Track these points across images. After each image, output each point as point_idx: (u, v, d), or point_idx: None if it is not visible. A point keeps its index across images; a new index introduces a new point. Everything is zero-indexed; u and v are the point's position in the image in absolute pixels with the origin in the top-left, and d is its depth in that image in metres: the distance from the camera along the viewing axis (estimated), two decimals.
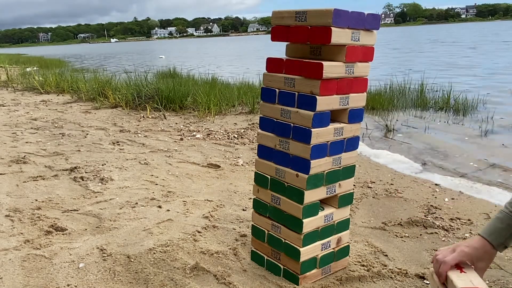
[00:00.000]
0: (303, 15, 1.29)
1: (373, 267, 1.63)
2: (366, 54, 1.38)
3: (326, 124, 1.35)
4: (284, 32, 1.37)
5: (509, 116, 4.75)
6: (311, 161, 1.35)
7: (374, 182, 2.66)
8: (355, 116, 1.43)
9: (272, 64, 1.45)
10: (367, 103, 1.43)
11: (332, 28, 1.23)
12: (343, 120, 1.43)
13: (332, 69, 1.29)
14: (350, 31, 1.29)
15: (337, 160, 1.43)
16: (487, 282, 1.54)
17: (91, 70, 10.23)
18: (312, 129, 1.31)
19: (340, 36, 1.26)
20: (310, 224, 1.44)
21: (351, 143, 1.46)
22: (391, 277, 1.57)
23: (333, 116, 1.38)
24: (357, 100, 1.42)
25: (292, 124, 1.38)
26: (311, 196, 1.40)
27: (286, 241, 1.50)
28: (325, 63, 1.27)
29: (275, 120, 1.45)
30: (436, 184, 2.64)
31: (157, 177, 2.75)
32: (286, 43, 1.45)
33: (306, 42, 1.31)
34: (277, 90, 1.43)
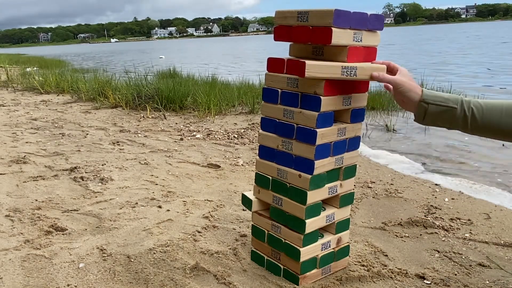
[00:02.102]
0: (305, 15, 1.29)
1: (373, 267, 1.63)
2: (369, 54, 1.37)
3: (330, 124, 1.35)
4: (286, 32, 1.37)
5: None
6: (315, 162, 1.34)
7: (374, 182, 2.66)
8: (357, 116, 1.43)
9: (273, 64, 1.45)
10: (367, 103, 1.43)
11: (333, 28, 1.22)
12: (345, 120, 1.43)
13: (316, 68, 1.25)
14: (352, 31, 1.28)
15: (339, 160, 1.43)
16: (487, 282, 1.54)
17: (91, 70, 10.23)
18: (317, 130, 1.31)
19: (340, 36, 1.25)
20: (312, 224, 1.44)
21: (353, 143, 1.46)
22: (391, 277, 1.57)
23: (335, 116, 1.38)
24: (359, 100, 1.43)
25: (295, 125, 1.38)
26: (314, 196, 1.40)
27: (286, 241, 1.50)
28: (308, 62, 1.23)
29: (277, 120, 1.45)
30: (436, 184, 2.64)
31: (157, 177, 2.75)
32: (288, 43, 1.45)
33: (307, 42, 1.31)
34: (279, 90, 1.43)
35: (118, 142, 3.73)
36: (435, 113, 1.24)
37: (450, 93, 1.29)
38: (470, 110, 1.21)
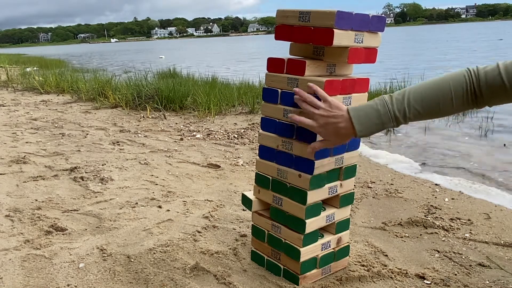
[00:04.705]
0: (306, 16, 1.29)
1: (373, 267, 1.63)
2: (369, 55, 1.37)
3: None
4: (287, 32, 1.37)
5: (510, 116, 4.75)
6: (315, 161, 1.34)
7: (374, 182, 2.66)
8: None
9: (273, 64, 1.45)
10: None
11: (335, 30, 1.22)
12: None
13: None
14: (354, 33, 1.28)
15: (339, 160, 1.43)
16: (487, 282, 1.54)
17: (91, 70, 10.23)
18: None
19: (342, 38, 1.25)
20: (312, 224, 1.44)
21: (353, 143, 1.46)
22: (391, 277, 1.57)
23: None
24: (359, 100, 1.42)
25: (295, 125, 1.38)
26: (314, 196, 1.40)
27: (286, 241, 1.50)
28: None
29: (277, 120, 1.45)
30: (436, 184, 2.64)
31: (157, 177, 2.75)
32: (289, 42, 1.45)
33: (308, 42, 1.31)
34: (279, 90, 1.43)
35: (118, 142, 3.73)
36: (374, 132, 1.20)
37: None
38: (408, 119, 1.16)
